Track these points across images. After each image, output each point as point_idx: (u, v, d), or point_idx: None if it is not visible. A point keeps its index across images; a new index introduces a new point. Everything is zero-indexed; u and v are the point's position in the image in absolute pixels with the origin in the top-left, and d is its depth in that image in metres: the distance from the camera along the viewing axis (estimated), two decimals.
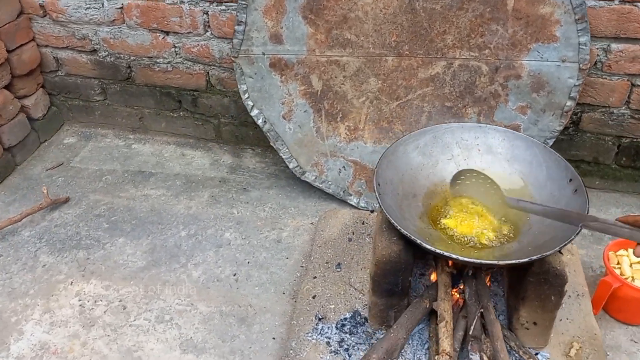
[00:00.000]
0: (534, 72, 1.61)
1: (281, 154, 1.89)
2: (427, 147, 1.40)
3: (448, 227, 1.32)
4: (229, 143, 2.26)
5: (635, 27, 1.59)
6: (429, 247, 1.13)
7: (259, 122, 1.84)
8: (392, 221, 1.16)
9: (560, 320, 1.42)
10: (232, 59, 1.77)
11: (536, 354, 1.35)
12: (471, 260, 1.17)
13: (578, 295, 1.52)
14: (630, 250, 1.55)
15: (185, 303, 1.61)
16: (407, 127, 1.77)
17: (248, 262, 1.75)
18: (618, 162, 1.90)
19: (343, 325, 1.43)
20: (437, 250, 1.11)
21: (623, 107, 1.77)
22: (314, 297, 1.51)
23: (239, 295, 1.63)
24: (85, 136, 2.33)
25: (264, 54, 1.75)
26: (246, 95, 1.81)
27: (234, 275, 1.70)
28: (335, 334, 1.41)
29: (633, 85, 1.71)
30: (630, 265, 1.54)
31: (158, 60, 2.09)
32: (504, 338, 1.26)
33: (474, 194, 1.37)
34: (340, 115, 1.80)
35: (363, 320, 1.44)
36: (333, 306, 1.49)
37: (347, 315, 1.45)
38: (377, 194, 1.22)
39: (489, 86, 1.66)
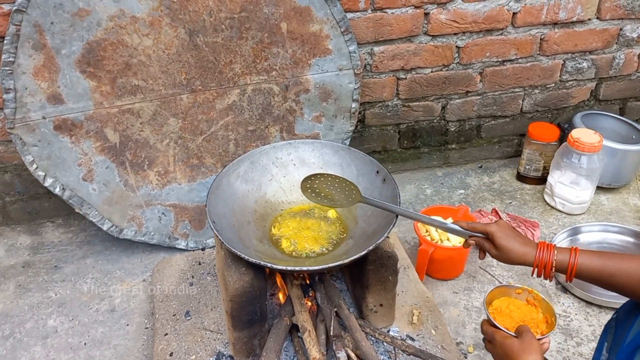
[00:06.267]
0: (319, 84, 1.77)
1: (91, 218, 1.74)
2: (248, 173, 1.44)
3: (286, 245, 1.37)
4: (21, 222, 2.00)
5: (388, 30, 1.84)
6: (277, 267, 1.16)
7: (57, 191, 1.68)
8: (238, 253, 1.16)
9: (398, 295, 1.56)
10: (8, 130, 1.58)
11: (388, 331, 1.49)
12: (320, 267, 1.21)
13: (404, 268, 1.70)
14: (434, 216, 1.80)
15: None
16: (217, 159, 1.78)
17: (85, 344, 1.58)
18: (401, 145, 2.18)
19: None
20: (288, 268, 1.16)
21: (395, 99, 2.03)
22: (171, 354, 1.44)
23: None
24: None
25: (44, 117, 1.59)
26: (34, 166, 1.63)
27: None
28: None
29: (398, 79, 1.98)
30: (437, 230, 1.78)
31: None
32: (360, 327, 1.37)
33: (328, 191, 1.35)
34: (147, 163, 1.73)
35: (228, 359, 1.41)
36: (194, 356, 1.43)
37: None
38: (214, 231, 1.21)
39: (283, 104, 1.77)
